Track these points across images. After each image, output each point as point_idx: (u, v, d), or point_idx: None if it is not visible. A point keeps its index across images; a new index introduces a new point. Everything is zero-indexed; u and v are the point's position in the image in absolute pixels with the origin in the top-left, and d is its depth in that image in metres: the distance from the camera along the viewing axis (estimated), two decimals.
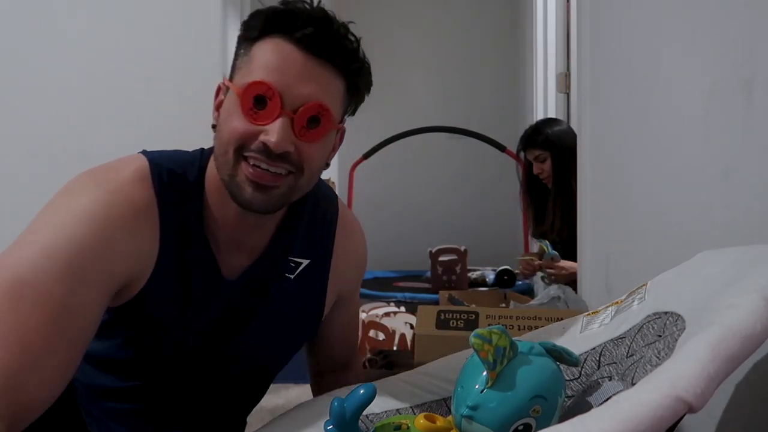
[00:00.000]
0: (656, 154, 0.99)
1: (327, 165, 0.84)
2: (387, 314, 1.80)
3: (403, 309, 1.93)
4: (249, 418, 1.01)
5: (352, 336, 1.09)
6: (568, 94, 2.60)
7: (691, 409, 0.37)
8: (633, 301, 0.67)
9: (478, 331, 0.52)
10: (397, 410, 0.77)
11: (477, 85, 3.86)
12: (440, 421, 0.58)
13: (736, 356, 0.39)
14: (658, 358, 0.54)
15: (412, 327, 1.66)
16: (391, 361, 1.33)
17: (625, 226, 1.17)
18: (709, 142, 0.78)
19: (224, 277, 0.84)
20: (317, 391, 1.03)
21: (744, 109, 0.68)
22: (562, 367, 0.60)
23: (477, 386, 0.53)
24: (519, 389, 0.52)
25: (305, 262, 0.91)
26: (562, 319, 0.88)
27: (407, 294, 2.48)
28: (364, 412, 0.66)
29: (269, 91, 0.74)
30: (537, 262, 2.10)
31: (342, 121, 0.83)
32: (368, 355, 1.35)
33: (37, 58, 2.19)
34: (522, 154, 2.31)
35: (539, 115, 2.80)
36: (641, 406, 0.36)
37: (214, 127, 0.82)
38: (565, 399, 0.57)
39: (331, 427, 0.61)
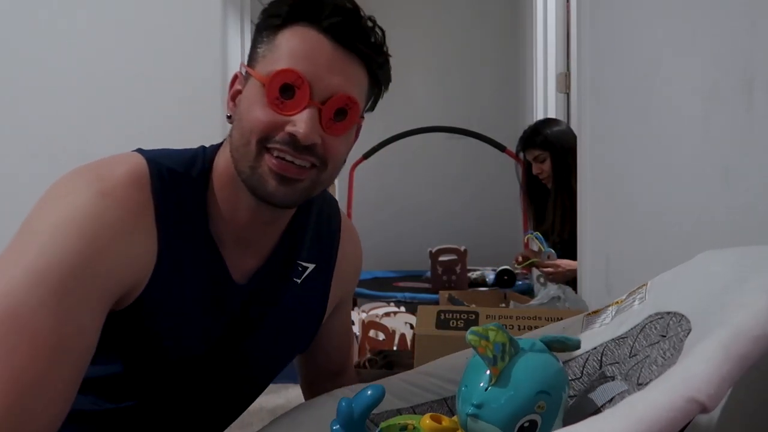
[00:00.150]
0: (656, 154, 0.99)
1: (344, 162, 0.82)
2: (387, 314, 1.80)
3: (403, 309, 1.93)
4: (249, 418, 1.01)
5: (347, 341, 1.07)
6: (568, 94, 2.60)
7: (704, 409, 0.37)
8: (634, 301, 0.67)
9: (473, 328, 0.52)
10: (398, 410, 0.77)
11: (477, 85, 3.85)
12: (446, 421, 0.58)
13: (749, 356, 0.39)
14: (663, 358, 0.54)
15: (412, 327, 1.66)
16: (391, 361, 1.33)
17: (625, 226, 1.17)
18: (709, 142, 0.78)
19: (234, 281, 0.80)
20: (310, 397, 1.00)
21: (744, 109, 0.69)
22: (562, 368, 0.60)
23: (481, 384, 0.53)
24: (523, 386, 0.52)
25: (311, 266, 0.88)
26: (562, 319, 0.88)
27: (407, 294, 2.48)
28: None
29: (298, 79, 0.71)
30: (526, 260, 2.09)
31: (362, 116, 0.81)
32: (368, 355, 1.35)
33: (36, 57, 2.19)
34: (521, 155, 2.31)
35: (539, 115, 2.80)
36: (655, 407, 0.36)
37: (229, 118, 0.78)
38: (568, 398, 0.57)
39: (337, 426, 0.61)
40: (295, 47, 0.72)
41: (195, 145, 0.85)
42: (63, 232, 0.64)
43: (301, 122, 0.71)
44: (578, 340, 0.61)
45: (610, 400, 0.57)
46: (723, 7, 0.75)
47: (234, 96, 0.79)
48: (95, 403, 0.77)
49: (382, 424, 0.62)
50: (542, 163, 2.19)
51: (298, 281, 0.87)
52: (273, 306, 0.85)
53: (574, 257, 1.67)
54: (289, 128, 0.71)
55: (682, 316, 0.56)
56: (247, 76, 0.76)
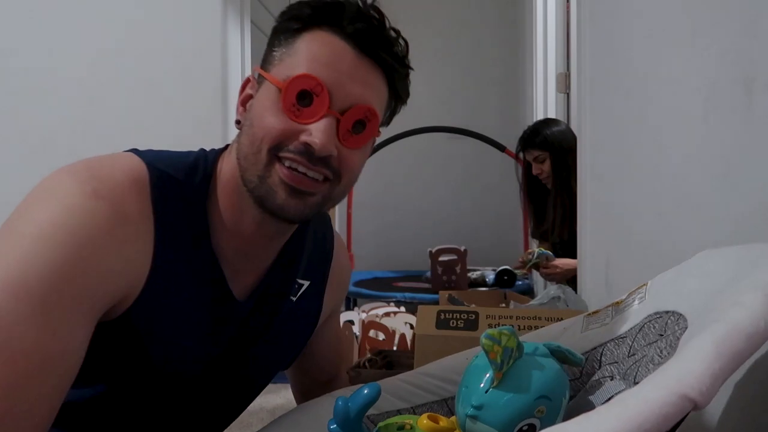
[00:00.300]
0: (656, 154, 0.99)
1: (357, 177, 0.77)
2: (387, 314, 1.80)
3: (403, 309, 1.94)
4: (249, 418, 1.01)
5: (337, 350, 1.06)
6: (567, 94, 2.60)
7: (696, 406, 0.37)
8: (633, 301, 0.67)
9: (488, 331, 0.52)
10: (398, 410, 0.77)
11: (477, 85, 3.86)
12: (443, 422, 0.59)
13: (741, 354, 0.39)
14: (660, 356, 0.54)
15: (412, 327, 1.66)
16: (391, 361, 1.33)
17: (625, 226, 1.17)
18: (709, 142, 0.78)
19: (236, 298, 0.75)
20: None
21: (744, 109, 0.68)
22: (564, 367, 0.60)
23: (482, 386, 0.53)
24: (524, 390, 0.52)
25: (306, 284, 0.85)
26: (562, 319, 0.88)
27: (407, 294, 2.48)
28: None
29: (318, 86, 0.66)
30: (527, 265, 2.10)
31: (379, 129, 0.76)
32: (368, 355, 1.35)
33: (36, 58, 2.19)
34: (521, 155, 2.32)
35: (539, 115, 2.80)
36: (647, 404, 0.36)
37: (237, 123, 0.73)
38: (568, 399, 0.57)
39: (334, 426, 0.61)
40: (315, 52, 0.68)
41: (194, 146, 0.80)
42: (49, 236, 0.58)
43: (318, 132, 0.66)
44: (582, 359, 0.61)
45: (609, 400, 0.57)
46: (723, 7, 0.75)
47: (245, 101, 0.74)
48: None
49: (380, 424, 0.62)
50: (542, 164, 2.20)
51: (294, 299, 0.83)
52: (269, 324, 0.81)
53: (574, 257, 1.67)
54: (304, 137, 0.66)
55: (680, 314, 0.56)
56: (261, 80, 0.71)
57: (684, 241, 0.86)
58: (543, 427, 0.52)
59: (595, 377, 0.65)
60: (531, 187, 2.32)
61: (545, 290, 1.62)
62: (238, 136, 0.73)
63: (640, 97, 1.07)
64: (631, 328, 0.64)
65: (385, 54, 0.70)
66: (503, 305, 1.84)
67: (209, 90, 2.15)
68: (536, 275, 2.59)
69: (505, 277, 2.52)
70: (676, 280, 0.63)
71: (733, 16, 0.72)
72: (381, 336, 1.59)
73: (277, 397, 0.97)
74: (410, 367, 0.88)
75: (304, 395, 1.02)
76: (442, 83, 3.89)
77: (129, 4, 2.22)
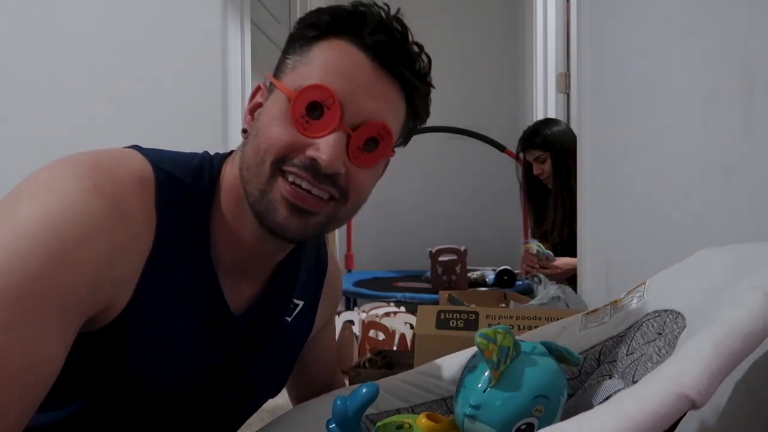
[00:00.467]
0: (656, 154, 0.99)
1: (366, 199, 0.72)
2: (387, 314, 1.80)
3: (403, 309, 1.93)
4: (249, 419, 1.01)
5: (333, 358, 1.03)
6: (567, 94, 2.60)
7: (694, 405, 0.37)
8: (632, 300, 0.67)
9: (483, 330, 0.52)
10: (397, 410, 0.77)
11: (477, 85, 3.85)
12: (442, 421, 0.59)
13: (739, 353, 0.40)
14: (658, 355, 0.54)
15: (412, 327, 1.66)
16: (391, 361, 1.34)
17: (625, 225, 1.17)
18: (709, 142, 0.78)
19: (232, 313, 0.71)
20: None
21: (744, 109, 0.69)
22: (562, 366, 0.60)
23: (480, 385, 0.53)
24: (522, 389, 0.52)
25: (301, 304, 0.81)
26: (562, 318, 0.88)
27: (407, 294, 2.48)
28: (365, 412, 0.66)
29: (330, 98, 0.62)
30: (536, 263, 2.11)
31: (393, 149, 0.71)
32: (368, 355, 1.35)
33: (34, 58, 2.19)
34: (521, 155, 2.32)
35: (539, 115, 2.80)
36: (645, 403, 0.36)
37: (244, 131, 0.69)
38: (566, 398, 0.57)
39: (333, 425, 0.61)
40: (330, 62, 0.64)
41: (194, 146, 0.76)
42: (38, 233, 0.53)
43: (325, 147, 0.62)
44: (580, 358, 0.61)
45: (608, 399, 0.58)
46: (723, 7, 0.75)
47: (254, 109, 0.70)
48: None
49: (379, 423, 0.62)
50: (543, 164, 2.20)
51: (289, 320, 0.79)
52: (263, 345, 0.77)
53: (574, 257, 1.68)
54: (310, 152, 0.62)
55: (679, 313, 0.56)
56: (272, 87, 0.67)
57: (684, 241, 0.86)
58: (541, 426, 0.53)
59: (594, 376, 0.65)
60: (531, 187, 2.33)
61: (545, 290, 1.62)
62: (243, 145, 0.69)
63: (640, 97, 1.07)
64: (630, 327, 0.64)
65: (406, 69, 0.66)
66: (503, 305, 1.84)
67: (209, 90, 2.14)
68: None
69: (505, 277, 2.52)
70: (675, 278, 0.63)
71: (733, 16, 0.72)
72: (381, 336, 1.59)
73: (277, 397, 0.97)
74: (410, 367, 0.88)
75: (300, 402, 0.99)
76: (442, 83, 3.87)
77: (129, 4, 2.22)
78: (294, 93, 0.63)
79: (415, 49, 0.68)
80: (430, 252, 2.53)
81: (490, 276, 2.60)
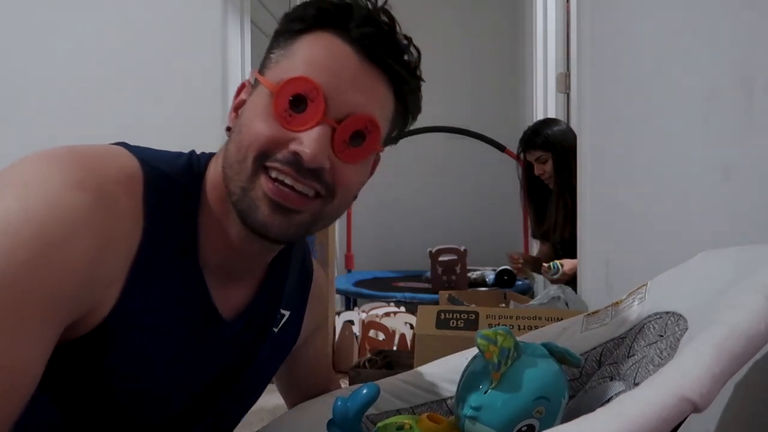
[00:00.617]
0: (656, 154, 0.99)
1: (355, 197, 0.70)
2: (387, 314, 1.80)
3: (403, 309, 1.93)
4: (249, 418, 1.01)
5: (327, 363, 1.00)
6: (568, 94, 2.60)
7: (696, 408, 0.37)
8: (633, 301, 0.67)
9: (483, 331, 0.52)
10: (397, 410, 0.77)
11: (477, 85, 3.85)
12: (443, 422, 0.59)
13: (741, 356, 0.39)
14: (660, 357, 0.54)
15: (412, 327, 1.66)
16: (391, 361, 1.33)
17: (625, 226, 1.17)
18: (709, 142, 0.78)
19: (222, 317, 0.68)
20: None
21: (744, 109, 0.68)
22: (563, 368, 0.60)
23: (481, 387, 0.53)
24: (523, 390, 0.52)
25: (287, 314, 0.78)
26: (562, 319, 0.88)
27: (407, 294, 2.48)
28: (365, 413, 0.66)
29: (313, 90, 0.60)
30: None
31: (382, 146, 0.68)
32: (368, 355, 1.35)
33: (33, 57, 2.19)
34: (522, 156, 2.32)
35: (539, 115, 2.80)
36: (647, 406, 0.36)
37: (228, 130, 0.67)
38: (567, 400, 0.57)
39: (334, 426, 0.61)
40: (315, 54, 0.62)
41: (193, 146, 0.74)
42: (18, 230, 0.49)
43: (309, 140, 0.60)
44: (581, 360, 0.61)
45: (609, 401, 0.57)
46: (723, 7, 0.75)
47: (238, 106, 0.68)
48: None
49: (379, 424, 0.62)
50: (544, 164, 2.19)
51: (276, 330, 0.76)
52: (253, 356, 0.74)
53: (575, 256, 1.67)
54: (293, 146, 0.60)
55: (680, 315, 0.56)
56: (256, 83, 0.66)
57: (684, 242, 0.86)
58: (542, 427, 0.53)
59: (595, 378, 0.65)
60: (531, 187, 2.32)
61: (545, 290, 1.62)
62: (227, 143, 0.66)
63: (640, 97, 1.07)
64: (631, 329, 0.64)
65: (394, 62, 0.64)
66: (503, 305, 1.84)
67: (209, 90, 2.14)
68: (537, 276, 2.59)
69: (505, 277, 2.52)
70: (676, 280, 0.63)
71: (733, 16, 0.72)
72: (381, 336, 1.59)
73: (277, 397, 0.97)
74: (410, 367, 0.88)
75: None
76: (442, 83, 3.88)
77: (128, 4, 2.22)
78: (276, 86, 0.61)
79: (404, 41, 0.66)
80: (430, 252, 2.53)
81: (490, 276, 2.60)
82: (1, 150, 2.32)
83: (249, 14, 2.35)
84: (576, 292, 1.52)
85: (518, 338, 0.56)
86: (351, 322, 1.66)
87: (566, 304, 1.45)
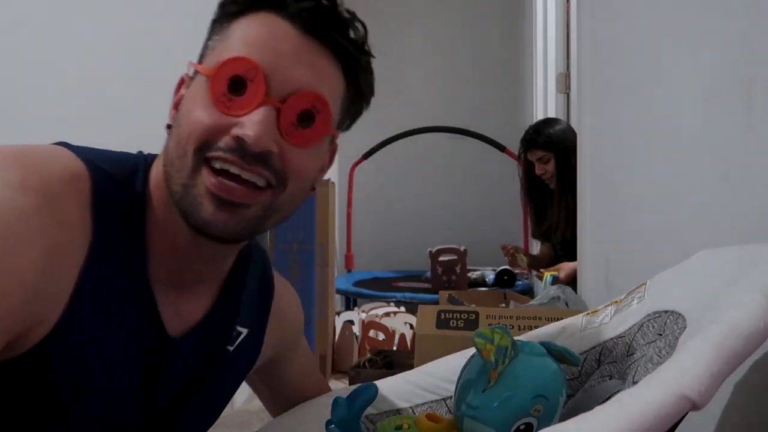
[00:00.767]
0: (656, 155, 0.99)
1: (313, 189, 0.64)
2: (387, 314, 1.80)
3: (403, 309, 1.93)
4: (249, 418, 1.01)
5: (314, 371, 0.93)
6: (567, 94, 2.60)
7: (694, 406, 0.37)
8: (632, 300, 0.67)
9: (480, 330, 0.52)
10: (397, 410, 0.77)
11: (477, 85, 3.85)
12: (442, 421, 0.59)
13: (739, 354, 0.40)
14: (659, 356, 0.54)
15: (412, 327, 1.66)
16: (391, 361, 1.34)
17: (625, 226, 1.17)
18: (709, 143, 0.78)
19: (168, 334, 0.62)
20: None
21: (744, 109, 0.68)
22: (562, 367, 0.60)
23: (478, 386, 0.53)
24: (520, 389, 0.52)
25: (245, 332, 0.72)
26: (562, 319, 0.88)
27: (407, 294, 2.48)
28: (365, 413, 0.66)
29: (251, 70, 0.55)
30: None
31: (337, 130, 0.65)
32: (368, 355, 1.35)
33: (32, 57, 2.19)
34: (524, 156, 2.31)
35: (539, 115, 2.80)
36: (645, 404, 0.36)
37: (169, 127, 0.62)
38: (565, 398, 0.57)
39: (333, 426, 0.61)
40: (251, 33, 0.58)
41: None
42: None
43: (251, 123, 0.55)
44: (579, 358, 0.61)
45: (608, 399, 0.58)
46: (723, 7, 0.75)
47: (178, 102, 0.63)
48: None
49: (379, 424, 0.62)
50: (546, 164, 2.19)
51: (231, 349, 0.70)
52: (204, 375, 0.68)
53: (575, 256, 1.67)
54: (235, 131, 0.55)
55: (679, 314, 0.56)
56: (195, 74, 0.61)
57: (684, 241, 0.86)
58: (540, 426, 0.53)
59: (594, 376, 0.65)
60: (532, 187, 2.32)
61: (545, 290, 1.62)
62: (167, 140, 0.62)
63: (640, 97, 1.07)
64: (630, 328, 0.64)
65: (337, 34, 0.59)
66: (503, 305, 1.84)
67: None
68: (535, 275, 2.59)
69: (505, 277, 2.52)
70: (675, 279, 0.63)
71: (733, 16, 0.72)
72: (381, 336, 1.59)
73: None
74: (410, 367, 0.88)
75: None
76: (442, 83, 3.88)
77: (127, 4, 2.22)
78: (212, 71, 0.57)
79: (346, 15, 0.61)
80: (430, 252, 2.53)
81: (490, 276, 2.60)
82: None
83: None
84: (576, 292, 1.52)
85: (518, 338, 0.56)
86: (351, 322, 1.66)
87: (566, 304, 1.45)
